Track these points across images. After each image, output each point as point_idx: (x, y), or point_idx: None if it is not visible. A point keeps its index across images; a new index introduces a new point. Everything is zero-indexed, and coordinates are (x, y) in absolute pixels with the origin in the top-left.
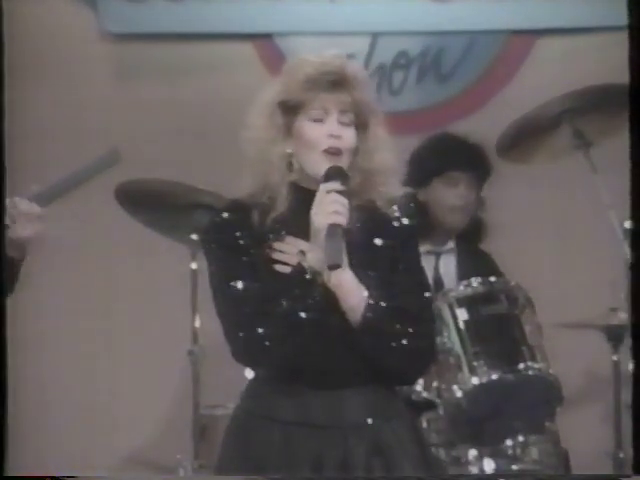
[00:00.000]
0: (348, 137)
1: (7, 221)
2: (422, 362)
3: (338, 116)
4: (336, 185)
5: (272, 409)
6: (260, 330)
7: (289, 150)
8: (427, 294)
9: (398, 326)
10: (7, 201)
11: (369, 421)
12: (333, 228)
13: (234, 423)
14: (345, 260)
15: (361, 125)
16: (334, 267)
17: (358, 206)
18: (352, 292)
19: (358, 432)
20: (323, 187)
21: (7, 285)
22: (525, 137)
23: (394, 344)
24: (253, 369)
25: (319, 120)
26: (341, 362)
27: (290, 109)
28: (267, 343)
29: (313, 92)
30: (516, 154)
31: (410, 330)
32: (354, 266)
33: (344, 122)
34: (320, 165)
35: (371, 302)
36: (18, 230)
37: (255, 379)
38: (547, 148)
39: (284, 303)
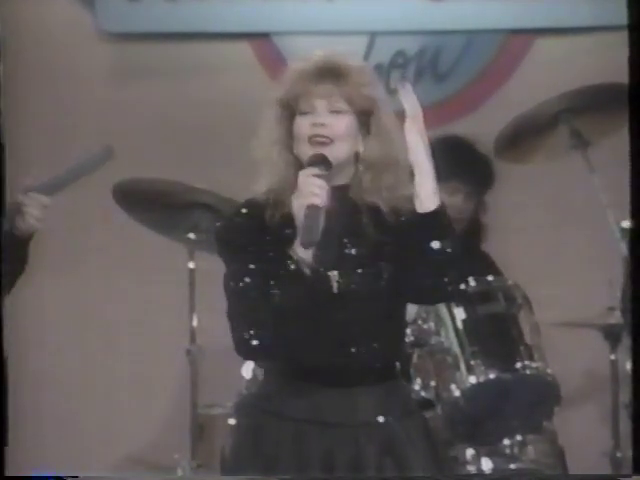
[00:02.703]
0: (337, 124)
1: (15, 216)
2: (457, 274)
3: (327, 105)
4: (315, 170)
5: (283, 406)
6: (255, 323)
7: (295, 151)
8: None
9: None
10: (19, 196)
11: (380, 419)
12: (311, 209)
13: (245, 421)
14: (423, 145)
15: (362, 113)
16: (308, 245)
17: (367, 206)
18: (432, 179)
19: (369, 430)
20: (302, 173)
21: (18, 266)
22: (523, 137)
23: (451, 242)
24: (255, 363)
25: (307, 113)
26: (353, 360)
27: (287, 107)
28: (260, 337)
29: (301, 86)
30: (514, 154)
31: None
32: (365, 264)
33: (335, 110)
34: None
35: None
36: (27, 223)
37: (266, 376)
38: (545, 148)
39: (274, 296)
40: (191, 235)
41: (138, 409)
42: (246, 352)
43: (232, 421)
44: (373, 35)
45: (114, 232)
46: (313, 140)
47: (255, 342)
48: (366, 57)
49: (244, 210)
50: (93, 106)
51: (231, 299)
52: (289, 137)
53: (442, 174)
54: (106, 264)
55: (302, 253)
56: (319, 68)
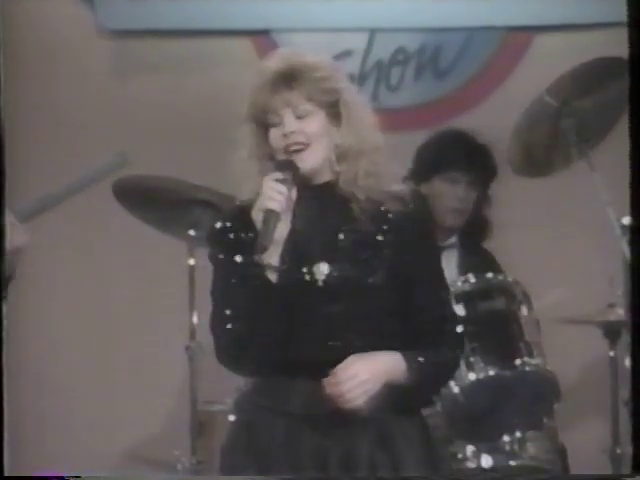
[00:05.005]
0: (307, 127)
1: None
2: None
3: (293, 112)
4: (278, 175)
5: (277, 401)
6: (228, 328)
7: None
8: (448, 308)
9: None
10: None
11: (375, 415)
12: (267, 213)
13: (240, 417)
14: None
15: (329, 107)
16: (261, 250)
17: (356, 200)
18: (393, 370)
19: (363, 426)
20: (266, 178)
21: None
22: (523, 136)
23: (432, 389)
24: (236, 372)
25: (277, 124)
26: (341, 355)
27: (259, 122)
28: (235, 342)
29: (262, 100)
30: (514, 153)
31: (444, 361)
32: (357, 261)
33: (301, 115)
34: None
35: (408, 365)
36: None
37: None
38: (545, 147)
39: (243, 301)
40: (191, 232)
41: (138, 406)
42: (227, 362)
43: (232, 418)
44: (373, 32)
45: (114, 229)
46: (288, 150)
47: (233, 351)
48: (366, 54)
49: (231, 216)
50: (93, 103)
51: (212, 304)
52: (267, 148)
53: (441, 165)
54: (105, 261)
55: (267, 258)
56: (275, 77)
